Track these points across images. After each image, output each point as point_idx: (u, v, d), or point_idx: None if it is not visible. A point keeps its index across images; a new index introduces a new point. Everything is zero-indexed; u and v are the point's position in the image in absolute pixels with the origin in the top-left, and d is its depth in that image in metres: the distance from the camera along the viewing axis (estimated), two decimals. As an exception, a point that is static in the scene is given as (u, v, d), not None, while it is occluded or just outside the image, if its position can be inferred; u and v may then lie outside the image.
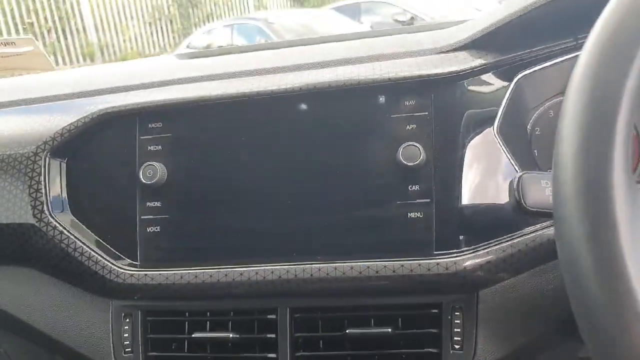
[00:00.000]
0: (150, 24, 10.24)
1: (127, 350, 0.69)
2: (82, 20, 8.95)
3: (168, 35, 10.52)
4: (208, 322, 0.69)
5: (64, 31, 8.78)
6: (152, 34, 10.23)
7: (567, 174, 0.32)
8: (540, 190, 0.50)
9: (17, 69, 1.18)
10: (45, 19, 8.46)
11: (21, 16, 8.10)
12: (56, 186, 0.70)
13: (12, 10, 7.99)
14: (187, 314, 0.69)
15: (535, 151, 0.68)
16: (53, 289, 0.72)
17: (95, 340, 0.71)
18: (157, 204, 0.68)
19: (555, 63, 0.65)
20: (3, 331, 0.81)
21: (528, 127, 0.72)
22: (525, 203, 0.50)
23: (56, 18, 8.65)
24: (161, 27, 10.45)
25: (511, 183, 0.52)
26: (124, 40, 9.73)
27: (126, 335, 0.69)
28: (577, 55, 0.64)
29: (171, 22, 10.66)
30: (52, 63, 1.27)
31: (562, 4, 0.60)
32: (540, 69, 0.65)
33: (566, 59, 0.65)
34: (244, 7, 11.64)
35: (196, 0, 11.12)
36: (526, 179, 0.50)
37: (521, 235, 0.60)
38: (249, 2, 11.75)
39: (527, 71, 0.65)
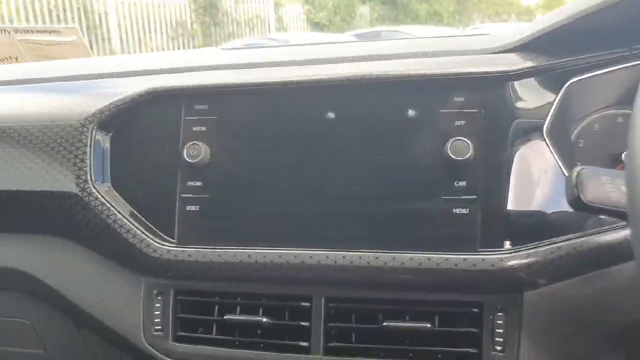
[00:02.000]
0: (173, 38, 10.45)
1: (157, 328, 0.69)
2: (108, 30, 9.16)
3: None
4: (239, 306, 0.68)
5: (89, 40, 8.99)
6: (173, 48, 10.43)
7: None
8: (600, 186, 0.48)
9: (58, 58, 1.21)
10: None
11: (51, 22, 8.32)
12: (100, 159, 0.71)
13: (43, 16, 8.20)
14: (217, 296, 0.69)
15: (578, 163, 0.67)
16: (88, 261, 0.72)
17: (125, 316, 0.70)
18: (198, 183, 0.68)
19: (607, 72, 0.65)
20: (32, 302, 0.81)
21: (572, 137, 0.72)
22: (584, 197, 0.48)
23: (84, 27, 8.86)
24: (183, 43, 10.65)
25: (569, 177, 0.50)
26: (147, 53, 9.93)
27: (157, 312, 0.69)
28: (632, 65, 0.65)
29: (193, 38, 10.88)
30: (93, 55, 1.30)
31: (616, 13, 0.60)
32: (591, 76, 0.65)
33: (619, 68, 0.65)
34: (265, 28, 11.87)
35: (219, 19, 11.37)
36: (586, 173, 0.48)
37: (569, 239, 0.59)
38: (270, 23, 11.99)
39: (578, 78, 0.65)
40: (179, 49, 10.55)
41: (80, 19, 8.86)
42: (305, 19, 13.76)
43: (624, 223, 0.58)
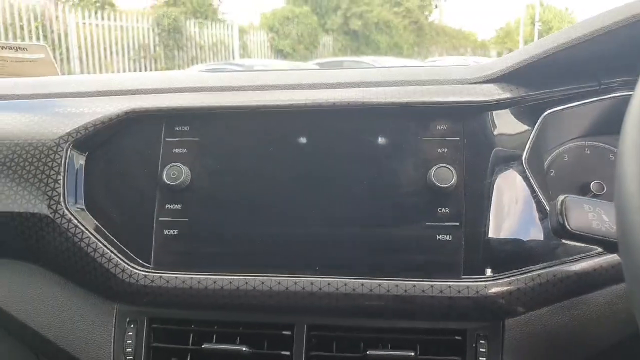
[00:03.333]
0: (134, 60, 10.32)
1: (128, 358, 0.65)
2: (67, 50, 8.94)
3: (151, 73, 10.59)
4: (215, 334, 0.66)
5: (46, 59, 8.72)
6: (135, 70, 10.28)
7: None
8: (583, 214, 0.50)
9: (24, 76, 1.17)
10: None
11: (6, 39, 8.05)
12: (74, 180, 0.68)
13: (-2, 34, 7.94)
14: (194, 324, 0.66)
15: (550, 191, 0.70)
16: (57, 287, 0.68)
17: (94, 346, 0.66)
18: (177, 206, 0.66)
19: (578, 104, 0.69)
20: None
21: (545, 165, 0.75)
22: (568, 225, 0.50)
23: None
24: (145, 66, 10.53)
25: (553, 205, 0.52)
26: (123, 73, 9.73)
27: (129, 342, 0.65)
28: (599, 99, 0.69)
29: (155, 61, 10.78)
30: (60, 73, 1.26)
31: (588, 49, 0.63)
32: (564, 108, 0.68)
33: (589, 101, 0.69)
34: (228, 54, 11.91)
35: (182, 43, 11.33)
36: (570, 202, 0.50)
37: (547, 267, 0.61)
38: (234, 49, 12.05)
39: (553, 109, 0.68)
40: (140, 71, 10.41)
41: (38, 37, 8.62)
42: (269, 47, 13.91)
43: (600, 251, 0.61)
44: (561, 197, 0.51)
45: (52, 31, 8.76)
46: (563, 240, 0.61)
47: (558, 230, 0.51)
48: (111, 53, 9.76)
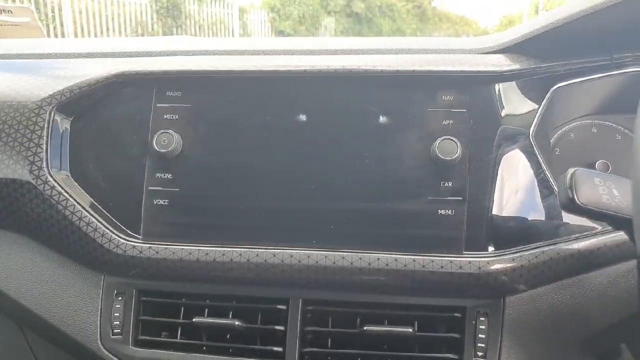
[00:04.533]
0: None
1: (115, 331, 0.63)
2: (61, 25, 8.79)
3: (148, 51, 10.44)
4: (207, 308, 0.63)
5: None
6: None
7: None
8: (593, 188, 0.47)
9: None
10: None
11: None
12: (58, 145, 0.64)
13: (-10, 4, 7.79)
14: (184, 297, 0.64)
15: (555, 170, 0.67)
16: (40, 257, 0.65)
17: (80, 318, 0.64)
18: (168, 175, 0.63)
19: (588, 79, 0.65)
20: None
21: (551, 142, 0.72)
22: (578, 200, 0.47)
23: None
24: (142, 43, 10.38)
25: (562, 178, 0.49)
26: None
27: (117, 314, 0.63)
28: (610, 75, 0.66)
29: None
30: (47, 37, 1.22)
31: (600, 20, 0.60)
32: (573, 83, 0.65)
33: (599, 76, 0.65)
34: (228, 33, 11.75)
35: (181, 21, 11.17)
36: (580, 175, 0.48)
37: (552, 244, 0.58)
38: (234, 29, 11.89)
39: (562, 83, 0.65)
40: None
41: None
42: (270, 27, 13.74)
43: (604, 228, 0.59)
44: (571, 170, 0.49)
45: (46, 4, 8.59)
46: (569, 217, 0.59)
47: (567, 205, 0.48)
48: (107, 29, 9.59)
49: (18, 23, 1.13)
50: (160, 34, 10.68)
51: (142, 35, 10.34)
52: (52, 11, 8.80)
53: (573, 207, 0.48)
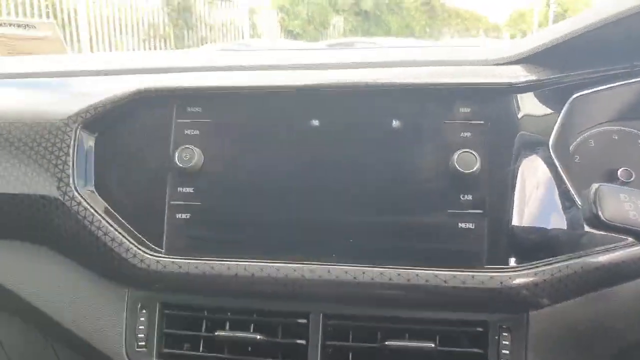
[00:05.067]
0: (144, 40, 10.25)
1: (140, 344, 0.64)
2: (77, 29, 8.90)
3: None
4: (229, 322, 0.64)
5: (56, 38, 8.69)
6: (144, 50, 10.23)
7: None
8: (619, 204, 0.47)
9: (33, 54, 1.14)
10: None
11: (16, 17, 8.02)
12: (83, 161, 0.66)
13: (9, 11, 7.90)
14: (206, 311, 0.65)
15: (575, 179, 0.67)
16: (67, 271, 0.67)
17: (106, 331, 0.65)
18: (190, 189, 0.64)
19: (608, 87, 0.65)
20: (2, 314, 0.74)
21: (570, 149, 0.71)
22: (603, 216, 0.47)
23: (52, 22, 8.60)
24: (155, 45, 10.46)
25: (586, 194, 0.49)
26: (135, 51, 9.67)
27: (141, 327, 0.64)
28: (631, 83, 0.65)
29: (165, 41, 10.70)
30: (68, 51, 1.24)
31: (620, 29, 0.60)
32: (593, 92, 0.65)
33: (620, 84, 0.65)
34: (239, 34, 11.80)
35: (192, 23, 11.23)
36: (605, 191, 0.47)
37: (576, 257, 0.58)
38: (244, 30, 11.93)
39: (581, 92, 0.65)
40: (150, 50, 10.35)
41: (48, 15, 8.59)
42: (279, 27, 13.76)
43: (630, 241, 0.58)
44: (595, 186, 0.48)
45: (62, 10, 8.71)
46: (592, 230, 0.58)
47: (591, 221, 0.48)
48: (121, 32, 9.69)
49: (40, 37, 1.16)
50: (171, 36, 10.76)
51: (154, 37, 10.43)
52: (68, 17, 8.92)
53: (598, 224, 0.48)
